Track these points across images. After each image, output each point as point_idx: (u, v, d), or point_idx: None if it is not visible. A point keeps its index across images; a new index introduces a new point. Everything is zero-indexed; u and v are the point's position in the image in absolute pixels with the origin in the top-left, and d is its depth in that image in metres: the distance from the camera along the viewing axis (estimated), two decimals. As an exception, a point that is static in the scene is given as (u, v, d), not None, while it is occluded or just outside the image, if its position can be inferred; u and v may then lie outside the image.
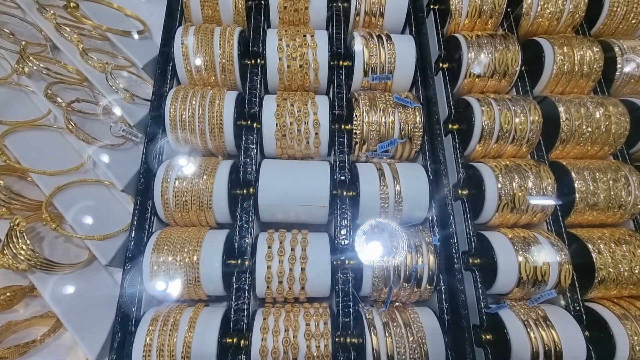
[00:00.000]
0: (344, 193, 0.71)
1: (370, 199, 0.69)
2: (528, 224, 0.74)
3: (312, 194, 0.69)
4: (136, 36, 0.88)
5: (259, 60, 0.80)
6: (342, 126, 0.76)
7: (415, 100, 0.75)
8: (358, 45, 0.78)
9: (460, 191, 0.74)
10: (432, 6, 0.90)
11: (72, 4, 0.79)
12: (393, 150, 0.76)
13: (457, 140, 0.78)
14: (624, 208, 0.72)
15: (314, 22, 0.85)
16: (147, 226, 0.69)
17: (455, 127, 0.79)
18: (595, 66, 0.81)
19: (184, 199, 0.66)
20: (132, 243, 0.65)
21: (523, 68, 0.84)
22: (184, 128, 0.71)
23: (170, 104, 0.72)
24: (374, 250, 0.65)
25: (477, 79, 0.81)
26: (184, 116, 0.71)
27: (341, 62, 0.82)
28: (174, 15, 0.85)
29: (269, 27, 0.87)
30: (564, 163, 0.74)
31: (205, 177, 0.68)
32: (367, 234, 0.67)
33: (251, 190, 0.69)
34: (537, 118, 0.75)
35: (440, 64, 0.85)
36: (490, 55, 0.80)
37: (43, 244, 0.70)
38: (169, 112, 0.71)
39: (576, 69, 0.80)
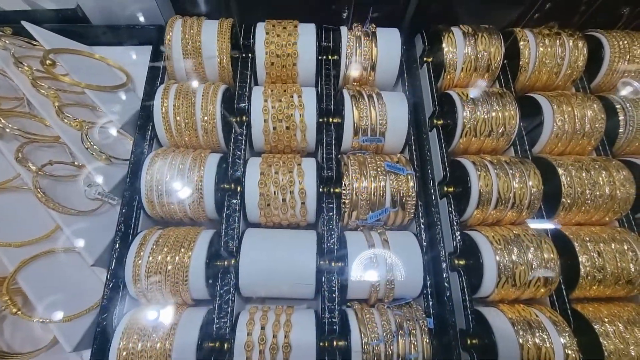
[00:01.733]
0: (333, 264, 0.67)
1: (359, 273, 0.64)
2: (531, 298, 0.69)
3: (297, 270, 0.64)
4: (122, 95, 0.84)
5: (244, 118, 0.76)
6: (332, 189, 0.72)
7: (408, 166, 0.71)
8: (347, 105, 0.75)
9: (456, 261, 0.69)
10: (425, 59, 0.87)
11: (47, 61, 0.75)
12: (385, 217, 0.71)
13: (452, 204, 0.73)
14: (632, 283, 0.67)
15: (303, 77, 0.82)
16: (117, 306, 0.63)
17: (451, 189, 0.74)
18: (597, 125, 0.77)
19: (156, 278, 0.61)
20: (98, 329, 0.60)
21: (522, 125, 0.80)
22: (160, 197, 0.67)
23: (147, 170, 0.68)
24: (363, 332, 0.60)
25: (473, 138, 0.77)
26: (161, 184, 0.67)
27: (331, 119, 0.79)
28: (157, 71, 0.82)
29: (255, 82, 0.84)
30: (567, 233, 0.70)
31: (182, 250, 0.63)
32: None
33: (232, 261, 0.64)
34: (537, 183, 0.70)
35: (435, 121, 0.81)
36: (486, 115, 0.76)
37: (4, 324, 0.64)
38: (145, 179, 0.67)
39: (577, 128, 0.77)
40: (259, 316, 0.62)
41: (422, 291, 0.67)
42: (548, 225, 0.74)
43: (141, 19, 0.90)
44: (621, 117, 0.79)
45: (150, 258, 0.62)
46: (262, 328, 0.60)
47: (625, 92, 0.84)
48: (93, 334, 0.62)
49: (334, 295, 0.65)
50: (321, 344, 0.61)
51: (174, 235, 0.64)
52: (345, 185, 0.68)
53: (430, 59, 0.87)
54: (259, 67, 0.80)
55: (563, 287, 0.69)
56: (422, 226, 0.72)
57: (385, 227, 0.73)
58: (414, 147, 0.79)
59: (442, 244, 0.72)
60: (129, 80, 0.89)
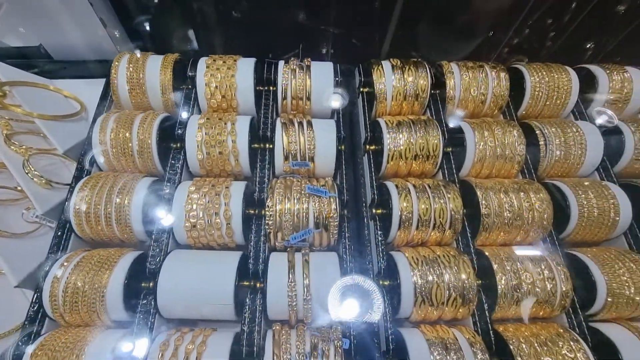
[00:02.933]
0: (257, 285, 0.68)
1: (279, 294, 0.65)
2: (454, 319, 0.69)
3: (216, 291, 0.65)
4: (74, 124, 0.89)
5: (178, 145, 0.80)
6: (262, 212, 0.74)
7: (333, 190, 0.74)
8: (278, 132, 0.79)
9: (381, 281, 0.70)
10: (361, 89, 0.93)
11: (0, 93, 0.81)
12: (310, 239, 0.73)
13: (378, 226, 0.76)
14: (551, 304, 0.67)
15: (243, 107, 0.87)
16: (34, 328, 0.64)
17: (379, 211, 0.77)
18: (517, 150, 0.81)
19: (73, 298, 0.62)
20: (16, 352, 0.60)
21: (450, 150, 0.84)
22: (88, 219, 0.69)
23: (78, 194, 0.70)
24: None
25: (400, 162, 0.81)
26: (90, 207, 0.69)
27: (267, 145, 0.83)
28: (106, 102, 0.88)
29: (199, 111, 0.89)
30: (487, 253, 0.71)
31: (102, 271, 0.64)
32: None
33: (150, 283, 0.65)
34: (457, 205, 0.73)
35: (367, 147, 0.85)
36: (411, 140, 0.80)
37: None
38: (74, 201, 0.70)
39: (499, 153, 0.80)
40: (175, 337, 0.62)
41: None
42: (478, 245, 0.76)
43: (97, 55, 0.97)
44: (541, 142, 0.83)
45: (70, 278, 0.63)
46: (176, 349, 0.60)
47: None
48: (11, 355, 0.62)
49: (254, 317, 0.66)
50: (237, 367, 0.61)
51: (97, 256, 0.66)
52: (268, 207, 0.71)
53: (365, 90, 0.92)
54: (200, 98, 0.86)
55: (486, 307, 0.69)
56: (347, 247, 0.74)
57: (312, 248, 0.75)
58: (344, 172, 0.82)
59: (370, 265, 0.74)
60: (82, 109, 0.94)
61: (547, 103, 0.90)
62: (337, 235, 0.74)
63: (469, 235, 0.76)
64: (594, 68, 0.93)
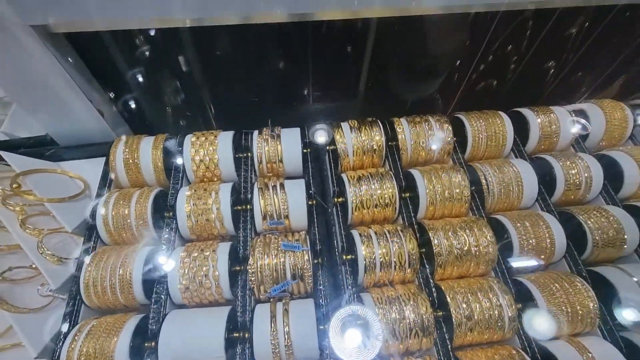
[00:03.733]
0: (245, 335, 0.78)
1: (263, 342, 0.75)
2: (419, 349, 0.79)
3: (208, 345, 0.75)
4: (79, 202, 1.02)
5: (171, 214, 0.92)
6: (240, 268, 0.86)
7: (304, 243, 0.85)
8: (255, 196, 0.92)
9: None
10: (327, 148, 1.07)
11: (14, 185, 0.94)
12: (290, 289, 0.84)
13: (348, 271, 0.87)
14: (502, 328, 0.77)
15: (225, 174, 1.00)
16: (53, 395, 0.73)
17: (348, 257, 0.88)
18: (463, 191, 0.93)
19: (86, 365, 0.72)
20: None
21: (407, 196, 0.96)
22: (96, 291, 0.80)
23: (86, 268, 0.82)
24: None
25: (364, 211, 0.93)
26: (97, 279, 0.81)
27: (247, 206, 0.95)
28: (106, 181, 1.01)
29: (188, 182, 1.02)
30: (443, 287, 0.82)
31: (110, 336, 0.74)
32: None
33: (152, 343, 0.75)
34: (413, 247, 0.84)
35: (335, 199, 0.98)
36: (370, 192, 0.93)
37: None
38: (83, 276, 0.81)
39: (447, 195, 0.93)
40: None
41: (322, 353, 0.77)
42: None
43: (97, 138, 1.11)
44: (483, 182, 0.96)
45: (83, 346, 0.73)
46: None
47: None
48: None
49: (244, 363, 0.76)
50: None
51: (105, 323, 0.76)
52: (250, 264, 0.82)
53: (331, 148, 1.06)
54: (187, 170, 0.99)
55: (446, 336, 0.79)
56: (323, 293, 0.84)
57: (293, 297, 0.85)
58: (317, 224, 0.94)
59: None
60: (85, 188, 1.07)
61: (488, 145, 1.03)
62: (314, 283, 0.85)
63: (427, 272, 0.86)
64: (524, 111, 1.08)
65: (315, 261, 0.87)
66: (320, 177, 1.07)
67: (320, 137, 1.09)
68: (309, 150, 1.06)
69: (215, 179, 1.01)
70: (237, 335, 0.77)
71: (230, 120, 1.30)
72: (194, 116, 1.31)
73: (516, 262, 0.88)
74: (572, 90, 1.40)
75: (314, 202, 0.96)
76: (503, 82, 1.36)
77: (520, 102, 1.14)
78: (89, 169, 1.11)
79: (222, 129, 1.06)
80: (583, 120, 1.08)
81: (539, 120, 1.05)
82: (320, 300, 0.83)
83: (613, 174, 0.99)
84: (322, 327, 0.79)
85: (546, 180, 0.98)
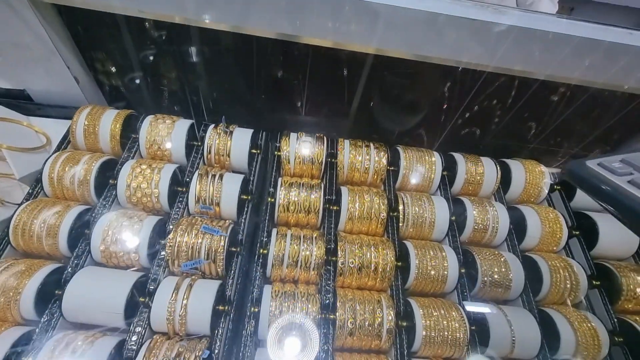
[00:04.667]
0: (147, 300, 0.85)
1: (160, 310, 0.82)
2: (304, 344, 0.86)
3: (111, 300, 0.82)
4: (38, 155, 1.10)
5: (115, 182, 1.00)
6: (161, 242, 0.93)
7: (225, 230, 0.94)
8: (193, 180, 1.01)
9: (253, 308, 0.88)
10: (276, 152, 1.17)
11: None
12: (202, 267, 0.91)
13: (259, 263, 0.95)
14: (379, 338, 0.85)
15: (175, 156, 1.09)
16: (-43, 318, 0.79)
17: (263, 251, 0.96)
18: (380, 214, 1.03)
19: (-6, 297, 0.78)
20: None
21: (330, 208, 1.06)
22: (23, 234, 0.87)
23: (19, 212, 0.89)
24: None
25: (288, 214, 1.02)
26: (26, 224, 0.88)
27: (184, 189, 1.03)
28: (65, 141, 1.10)
29: (141, 157, 1.11)
30: (338, 294, 0.90)
31: (23, 276, 0.81)
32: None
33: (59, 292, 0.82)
34: (319, 253, 0.93)
35: (268, 198, 1.07)
36: (297, 197, 1.02)
37: None
38: (14, 218, 0.88)
39: (365, 214, 1.03)
40: (69, 336, 0.77)
41: (212, 330, 0.84)
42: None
43: (70, 102, 1.20)
44: (400, 208, 1.06)
45: (-3, 280, 0.80)
46: (66, 344, 0.75)
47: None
48: None
49: (139, 329, 0.82)
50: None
51: (23, 264, 0.83)
52: (170, 238, 0.90)
53: (278, 153, 1.16)
54: (141, 147, 1.08)
55: (330, 336, 0.87)
56: (234, 277, 0.92)
57: (205, 276, 0.93)
58: (248, 217, 1.03)
59: (252, 294, 0.92)
60: (46, 144, 1.15)
61: (417, 178, 1.14)
62: (226, 268, 0.92)
63: (331, 276, 0.95)
64: (456, 155, 1.20)
65: (233, 249, 0.95)
66: (264, 177, 1.17)
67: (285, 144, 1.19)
68: (258, 151, 1.16)
69: (166, 160, 1.10)
70: (141, 298, 0.84)
71: (208, 113, 1.40)
72: (174, 103, 1.41)
73: (410, 285, 0.97)
74: (552, 152, 1.54)
75: (249, 197, 1.05)
76: (486, 132, 1.49)
77: (500, 153, 1.27)
78: (55, 128, 1.20)
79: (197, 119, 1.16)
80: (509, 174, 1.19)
81: (467, 166, 1.17)
82: (228, 284, 0.91)
83: (518, 226, 1.10)
84: (221, 307, 0.86)
85: (459, 219, 1.08)
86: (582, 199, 1.21)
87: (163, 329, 0.83)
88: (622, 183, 0.45)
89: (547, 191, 1.19)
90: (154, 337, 0.81)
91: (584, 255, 1.10)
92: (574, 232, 1.13)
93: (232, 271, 0.94)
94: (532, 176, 1.18)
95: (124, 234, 0.89)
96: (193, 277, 0.90)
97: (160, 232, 0.95)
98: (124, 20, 1.10)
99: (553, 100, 1.34)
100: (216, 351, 0.81)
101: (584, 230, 1.13)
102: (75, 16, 1.08)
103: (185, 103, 1.41)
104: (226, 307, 0.87)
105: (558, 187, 1.23)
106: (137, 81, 1.33)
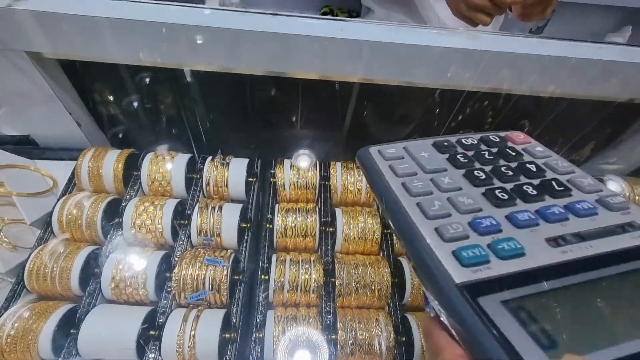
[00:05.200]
0: (157, 333, 0.89)
1: (170, 342, 0.86)
2: (308, 366, 0.91)
3: (123, 336, 0.86)
4: (45, 198, 1.16)
5: (119, 220, 1.06)
6: (166, 275, 0.98)
7: (227, 260, 0.99)
8: (194, 213, 1.06)
9: (257, 334, 0.92)
10: (271, 179, 1.22)
11: (-13, 179, 1.08)
12: (207, 298, 0.96)
13: (261, 289, 0.99)
14: (380, 357, 0.90)
15: (176, 191, 1.15)
16: (-20, 363, 0.84)
17: (265, 277, 1.01)
18: (374, 233, 1.08)
19: (14, 340, 0.83)
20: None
21: (328, 230, 1.11)
22: (37, 277, 0.93)
23: (35, 255, 0.95)
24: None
25: (287, 239, 1.07)
26: (40, 267, 0.93)
27: (185, 222, 1.09)
28: (70, 184, 1.16)
29: (143, 194, 1.17)
30: (338, 315, 0.95)
31: (42, 318, 0.86)
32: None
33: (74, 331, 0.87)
34: (318, 276, 0.98)
35: (267, 225, 1.12)
36: (295, 222, 1.07)
37: None
38: (30, 261, 0.94)
39: (359, 236, 1.07)
40: (86, 374, 0.82)
41: (220, 358, 0.88)
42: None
43: (74, 145, 1.27)
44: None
45: (15, 324, 0.85)
46: (84, 383, 0.80)
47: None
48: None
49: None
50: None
51: (39, 307, 0.88)
52: (175, 272, 0.95)
53: (273, 180, 1.22)
54: (143, 184, 1.14)
55: (333, 356, 0.91)
56: (237, 305, 0.97)
57: (210, 306, 0.98)
58: (248, 244, 1.08)
59: (256, 320, 0.96)
60: (53, 187, 1.21)
61: (407, 196, 1.19)
62: (230, 296, 0.97)
63: (331, 299, 0.99)
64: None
65: (236, 277, 1.00)
66: (261, 204, 1.22)
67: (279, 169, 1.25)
68: (254, 179, 1.21)
69: (167, 195, 1.15)
70: (151, 332, 0.89)
71: (208, 146, 1.47)
72: (173, 139, 1.48)
73: (407, 300, 1.01)
74: None
75: (248, 225, 1.10)
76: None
77: None
78: (61, 171, 1.26)
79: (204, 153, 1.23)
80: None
81: (455, 179, 1.21)
82: (233, 312, 0.96)
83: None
84: (227, 335, 0.91)
85: (451, 232, 1.13)
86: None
87: (173, 359, 0.88)
88: (385, 168, 0.43)
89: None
90: (165, 369, 0.86)
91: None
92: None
93: (236, 299, 0.98)
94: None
95: (132, 270, 0.94)
96: (199, 307, 0.95)
97: (166, 266, 1.00)
98: (122, 66, 1.17)
99: (532, 115, 1.41)
100: (226, 378, 0.86)
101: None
102: (74, 65, 1.15)
103: (184, 138, 1.48)
104: (232, 335, 0.92)
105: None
106: (137, 121, 1.40)
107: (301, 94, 1.36)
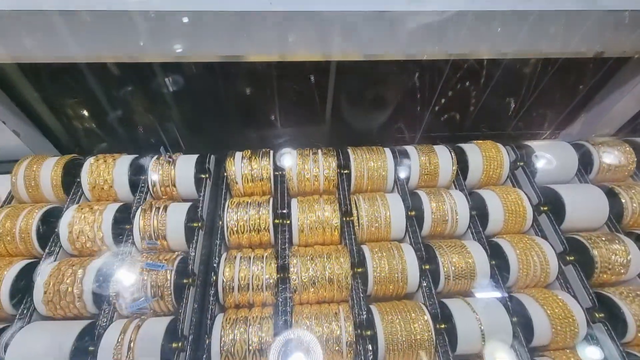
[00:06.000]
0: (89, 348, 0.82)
1: (106, 355, 0.79)
2: (263, 371, 0.83)
3: (57, 352, 0.79)
4: None
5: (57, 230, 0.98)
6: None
7: (171, 263, 0.91)
8: (136, 217, 0.98)
9: (207, 340, 0.84)
10: (225, 174, 1.14)
11: None
12: (150, 306, 0.88)
13: (211, 293, 0.92)
14: (341, 353, 0.81)
15: (120, 195, 1.08)
16: None
17: (214, 279, 0.93)
18: (332, 222, 1.00)
19: None
20: None
21: (282, 222, 1.03)
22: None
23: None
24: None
25: (239, 235, 0.99)
26: (-33, 288, 0.86)
27: (130, 227, 1.01)
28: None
29: (87, 200, 1.09)
30: (294, 311, 0.86)
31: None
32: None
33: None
34: (271, 272, 0.90)
35: (219, 222, 1.04)
36: (246, 217, 0.99)
37: None
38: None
39: (317, 225, 0.99)
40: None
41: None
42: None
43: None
44: (354, 212, 1.02)
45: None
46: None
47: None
48: None
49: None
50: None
51: (-37, 331, 0.81)
52: (113, 281, 0.87)
53: (226, 174, 1.14)
54: (85, 190, 1.07)
55: None
56: (186, 310, 0.89)
57: (157, 314, 0.90)
58: (200, 244, 1.00)
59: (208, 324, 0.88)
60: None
61: (370, 178, 1.11)
62: (178, 302, 0.89)
63: (287, 294, 0.91)
64: (409, 148, 1.16)
65: (185, 281, 0.92)
66: (216, 202, 1.14)
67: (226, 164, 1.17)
68: (206, 176, 1.13)
69: (111, 199, 1.08)
70: (87, 345, 0.81)
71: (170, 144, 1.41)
72: (123, 140, 1.41)
73: (371, 290, 0.93)
74: (535, 126, 1.53)
75: (199, 224, 1.03)
76: (465, 115, 1.48)
77: (484, 133, 1.25)
78: (2, 186, 1.19)
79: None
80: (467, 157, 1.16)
81: (420, 158, 1.13)
82: (181, 319, 0.88)
83: (481, 211, 1.06)
84: (175, 344, 0.83)
85: (417, 213, 1.05)
86: (547, 173, 1.17)
87: (112, 373, 0.80)
88: None
89: (507, 171, 1.15)
90: (104, 386, 0.78)
91: (555, 230, 1.05)
92: (542, 209, 1.09)
93: (185, 304, 0.90)
94: (489, 157, 1.14)
95: (66, 284, 0.87)
96: (143, 316, 0.87)
97: (103, 275, 0.92)
98: (60, 67, 1.10)
99: (524, 76, 1.34)
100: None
101: (552, 205, 1.09)
102: (4, 71, 1.08)
103: (133, 139, 1.41)
104: (179, 344, 0.84)
105: (521, 164, 1.19)
106: (84, 125, 1.33)
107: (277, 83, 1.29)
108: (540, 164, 1.18)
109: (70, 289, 0.86)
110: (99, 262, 0.92)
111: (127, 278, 0.88)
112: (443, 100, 1.43)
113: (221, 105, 1.37)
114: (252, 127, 1.51)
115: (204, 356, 0.82)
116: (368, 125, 1.54)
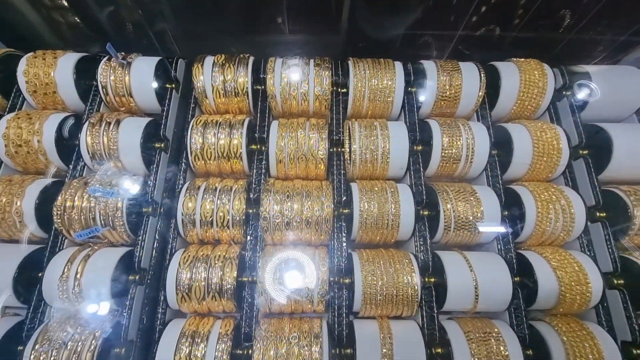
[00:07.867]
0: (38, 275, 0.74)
1: (51, 286, 0.71)
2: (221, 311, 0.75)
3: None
4: None
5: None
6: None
7: (114, 188, 0.77)
8: (82, 131, 0.82)
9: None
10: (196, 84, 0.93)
11: None
12: (104, 234, 0.78)
13: (173, 224, 0.80)
14: (310, 302, 0.72)
15: (69, 102, 0.90)
16: None
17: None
18: (319, 153, 0.82)
19: None
20: None
21: (257, 149, 0.85)
22: None
23: None
24: None
25: (206, 162, 0.84)
26: None
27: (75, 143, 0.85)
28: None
29: (30, 107, 0.92)
30: (265, 253, 0.75)
31: None
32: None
33: None
34: (239, 208, 0.76)
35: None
36: (214, 138, 0.82)
37: None
38: None
39: (298, 154, 0.82)
40: None
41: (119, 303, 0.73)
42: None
43: None
44: (347, 141, 0.84)
45: None
46: None
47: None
48: None
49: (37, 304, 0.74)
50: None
51: None
52: (57, 205, 0.76)
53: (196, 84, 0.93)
54: (25, 95, 0.88)
55: (249, 300, 0.74)
56: (142, 242, 0.78)
57: (114, 244, 0.80)
58: (155, 170, 0.85)
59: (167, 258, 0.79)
60: None
61: (372, 100, 0.88)
62: (135, 233, 0.78)
63: (258, 234, 0.79)
64: (427, 63, 0.91)
65: (144, 210, 0.80)
66: (184, 118, 0.96)
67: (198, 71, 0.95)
68: (171, 86, 0.93)
69: (59, 107, 0.90)
70: (30, 273, 0.74)
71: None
72: (75, 35, 1.16)
73: (356, 235, 0.80)
74: (587, 49, 1.20)
75: (161, 145, 0.86)
76: (508, 30, 1.16)
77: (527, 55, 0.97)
78: None
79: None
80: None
81: (439, 77, 0.89)
82: (138, 251, 0.78)
83: (504, 150, 0.85)
84: (131, 277, 0.75)
85: (425, 149, 0.85)
86: (599, 105, 0.92)
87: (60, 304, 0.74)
88: None
89: (548, 101, 0.90)
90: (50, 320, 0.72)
91: (590, 180, 0.86)
92: (580, 152, 0.88)
93: (143, 235, 0.80)
94: (529, 81, 0.89)
95: (6, 205, 0.75)
96: (96, 246, 0.78)
97: (47, 198, 0.80)
98: None
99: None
100: (125, 323, 0.72)
101: (595, 148, 0.87)
102: None
103: (89, 33, 1.15)
104: (136, 277, 0.75)
105: (567, 93, 0.93)
106: (27, 14, 1.07)
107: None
108: (590, 93, 0.92)
109: (9, 212, 0.75)
110: (45, 182, 0.80)
111: (74, 202, 0.75)
112: (483, 9, 1.09)
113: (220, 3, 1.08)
114: (255, 32, 1.23)
115: (162, 293, 0.74)
116: (389, 36, 1.23)
